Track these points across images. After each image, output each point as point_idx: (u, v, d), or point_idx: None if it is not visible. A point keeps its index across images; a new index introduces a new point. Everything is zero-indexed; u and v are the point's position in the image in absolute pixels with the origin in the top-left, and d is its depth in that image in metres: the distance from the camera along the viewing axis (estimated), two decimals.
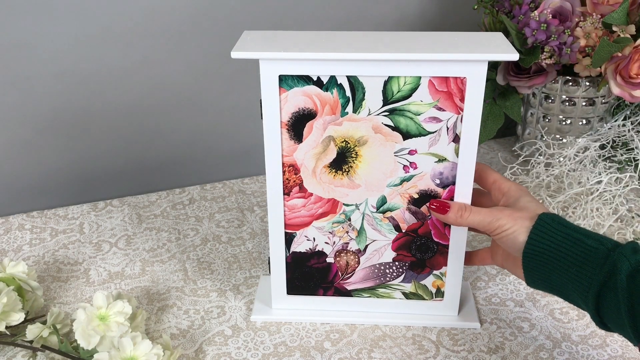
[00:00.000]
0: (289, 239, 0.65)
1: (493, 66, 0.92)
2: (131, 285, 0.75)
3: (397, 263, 0.66)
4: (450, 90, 0.58)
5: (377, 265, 0.66)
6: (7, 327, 0.62)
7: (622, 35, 0.83)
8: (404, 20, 1.04)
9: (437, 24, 1.06)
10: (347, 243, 0.65)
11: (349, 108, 0.59)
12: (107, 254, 0.81)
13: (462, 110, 0.58)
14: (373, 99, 0.58)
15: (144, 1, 0.88)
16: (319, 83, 0.58)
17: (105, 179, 0.99)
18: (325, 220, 0.64)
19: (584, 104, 0.94)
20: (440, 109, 0.59)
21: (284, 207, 0.64)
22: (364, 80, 0.58)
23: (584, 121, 0.95)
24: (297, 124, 0.60)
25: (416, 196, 0.63)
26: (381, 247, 0.66)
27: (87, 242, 0.84)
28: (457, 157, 0.60)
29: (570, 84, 0.92)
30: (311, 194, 0.63)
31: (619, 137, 0.93)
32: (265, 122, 0.60)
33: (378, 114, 0.59)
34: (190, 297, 0.73)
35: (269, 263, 0.67)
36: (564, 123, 0.96)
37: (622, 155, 0.92)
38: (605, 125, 0.95)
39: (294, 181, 0.62)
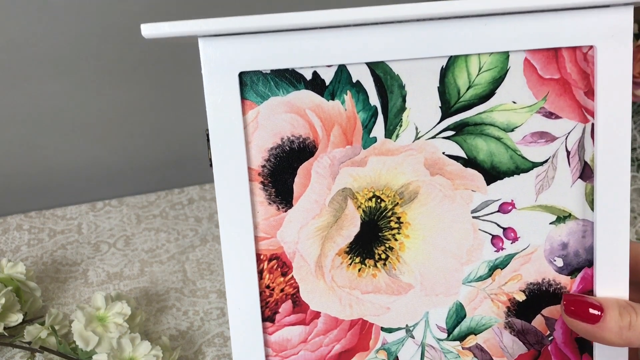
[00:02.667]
0: None
1: None
2: (130, 286, 0.75)
3: None
4: (565, 77, 0.30)
5: None
6: (5, 328, 0.62)
7: None
8: None
9: None
10: None
11: (378, 129, 0.31)
12: (105, 255, 0.81)
13: (591, 114, 0.31)
14: (422, 106, 0.31)
15: (144, 0, 0.88)
16: (316, 84, 0.31)
17: (103, 179, 0.98)
18: None
19: None
20: (550, 114, 0.31)
21: (264, 347, 0.33)
22: (403, 69, 0.30)
23: None
24: (281, 171, 0.32)
25: (521, 297, 0.33)
26: None
27: (86, 243, 0.83)
28: (593, 209, 0.31)
29: None
30: (318, 314, 0.33)
31: None
32: (216, 173, 0.33)
33: (434, 136, 0.31)
34: (189, 298, 0.73)
35: None
36: None
37: None
38: None
39: (282, 289, 0.33)
